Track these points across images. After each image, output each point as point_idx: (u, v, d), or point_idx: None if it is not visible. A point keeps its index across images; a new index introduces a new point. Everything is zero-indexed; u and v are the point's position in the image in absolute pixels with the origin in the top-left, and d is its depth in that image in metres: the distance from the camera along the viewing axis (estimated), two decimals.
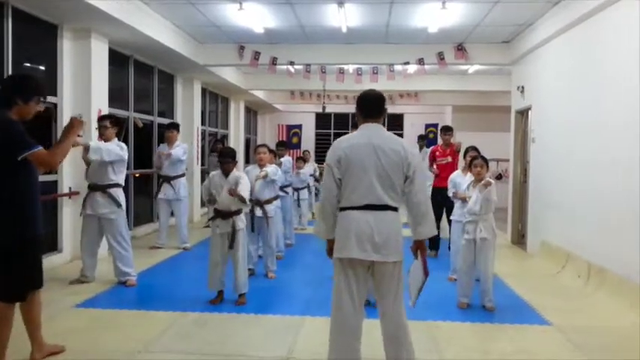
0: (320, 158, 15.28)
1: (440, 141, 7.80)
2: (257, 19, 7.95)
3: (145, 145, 9.34)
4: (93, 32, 6.87)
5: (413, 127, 17.95)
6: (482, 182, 5.04)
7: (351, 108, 15.17)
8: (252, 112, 17.87)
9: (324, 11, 7.59)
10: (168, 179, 7.75)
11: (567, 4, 6.59)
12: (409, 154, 3.20)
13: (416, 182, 3.19)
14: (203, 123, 11.98)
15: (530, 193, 8.35)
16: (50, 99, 6.43)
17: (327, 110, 15.24)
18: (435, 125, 17.19)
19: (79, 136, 3.64)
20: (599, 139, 5.91)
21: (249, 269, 5.93)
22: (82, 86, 6.85)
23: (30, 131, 3.39)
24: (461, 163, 7.00)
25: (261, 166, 6.20)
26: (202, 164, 11.27)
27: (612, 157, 5.59)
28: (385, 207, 3.16)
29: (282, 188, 7.25)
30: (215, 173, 5.19)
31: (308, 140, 18.73)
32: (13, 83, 3.59)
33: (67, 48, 6.76)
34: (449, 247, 6.80)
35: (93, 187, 5.63)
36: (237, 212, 5.12)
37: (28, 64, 6.51)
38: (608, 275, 5.51)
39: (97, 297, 5.29)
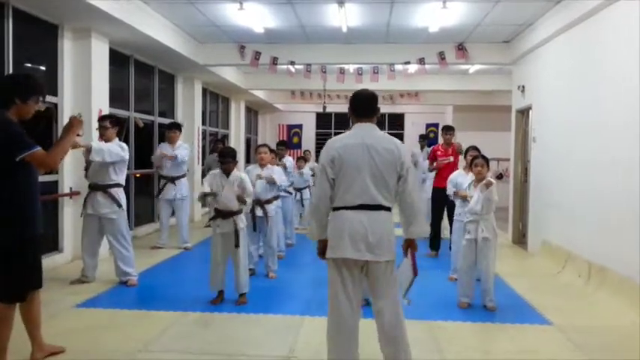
0: None
1: (441, 140, 7.81)
2: (257, 19, 7.95)
3: (145, 145, 9.34)
4: (93, 32, 6.88)
5: (414, 127, 17.96)
6: (484, 182, 5.03)
7: None
8: (253, 111, 17.87)
9: (324, 11, 7.59)
10: (171, 179, 7.76)
11: (567, 3, 6.59)
12: (402, 154, 3.21)
13: (409, 181, 3.20)
14: (204, 123, 11.99)
15: (530, 193, 8.35)
16: (51, 99, 6.44)
17: (328, 110, 15.25)
18: (436, 125, 17.20)
19: (78, 135, 3.64)
20: (599, 139, 5.91)
21: (250, 269, 5.94)
22: (83, 86, 6.85)
23: (31, 131, 3.39)
24: (461, 163, 7.00)
25: (262, 166, 6.20)
26: (203, 164, 11.28)
27: (612, 157, 5.59)
28: (379, 207, 3.16)
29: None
30: (216, 172, 5.18)
31: (308, 140, 18.74)
32: (12, 83, 3.57)
33: (67, 48, 6.77)
34: (449, 247, 6.80)
35: (94, 187, 5.63)
36: (238, 212, 5.13)
37: (29, 64, 6.51)
38: (608, 275, 5.51)
39: (97, 297, 5.29)
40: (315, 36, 9.04)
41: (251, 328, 4.44)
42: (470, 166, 5.49)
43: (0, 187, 3.29)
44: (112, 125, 5.63)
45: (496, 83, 12.44)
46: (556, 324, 4.65)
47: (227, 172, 5.07)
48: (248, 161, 15.19)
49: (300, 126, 18.98)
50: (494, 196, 4.99)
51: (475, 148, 6.15)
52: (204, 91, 12.08)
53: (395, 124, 18.72)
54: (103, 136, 5.62)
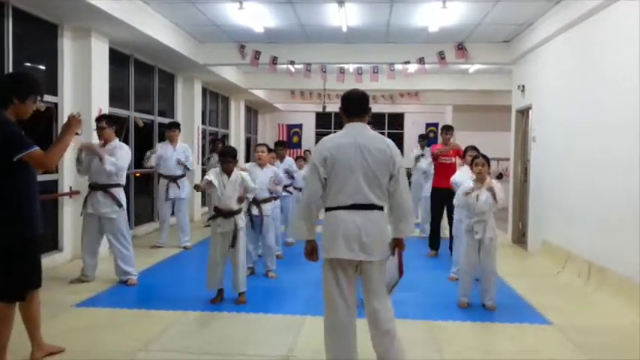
0: None
1: (440, 140, 7.81)
2: (257, 19, 7.95)
3: (145, 144, 9.33)
4: (93, 32, 6.87)
5: (413, 127, 17.97)
6: (486, 187, 5.01)
7: None
8: (253, 111, 17.87)
9: (324, 10, 7.58)
10: (173, 179, 7.76)
11: (567, 3, 6.58)
12: (394, 153, 3.23)
13: (401, 180, 3.23)
14: (203, 122, 11.99)
15: (530, 193, 8.35)
16: (50, 99, 6.44)
17: (328, 110, 15.24)
18: (436, 125, 17.20)
19: (77, 134, 3.63)
20: (599, 139, 5.91)
21: (249, 268, 5.95)
22: (83, 86, 6.85)
23: (30, 131, 3.38)
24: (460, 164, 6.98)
25: (261, 165, 6.22)
26: (203, 163, 11.28)
27: (612, 157, 5.59)
28: (372, 206, 3.18)
29: (284, 188, 7.26)
30: (217, 170, 5.17)
31: (308, 140, 18.74)
32: (10, 82, 3.56)
33: (67, 47, 6.76)
34: (449, 247, 6.81)
35: (94, 187, 5.63)
36: (238, 211, 5.13)
37: (29, 64, 6.51)
38: (608, 275, 5.51)
39: (97, 296, 5.29)
40: (315, 35, 9.04)
41: (251, 328, 4.44)
42: (470, 166, 5.48)
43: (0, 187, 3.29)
44: (108, 125, 5.63)
45: (496, 83, 12.44)
46: (556, 324, 4.65)
47: (228, 172, 5.07)
48: (248, 161, 15.17)
49: (299, 126, 18.98)
50: (500, 194, 5.00)
51: (474, 148, 6.14)
52: (204, 90, 12.07)
53: (395, 123, 18.72)
54: (102, 137, 5.62)
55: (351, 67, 11.01)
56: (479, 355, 3.99)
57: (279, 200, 6.98)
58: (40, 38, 6.50)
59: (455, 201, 5.43)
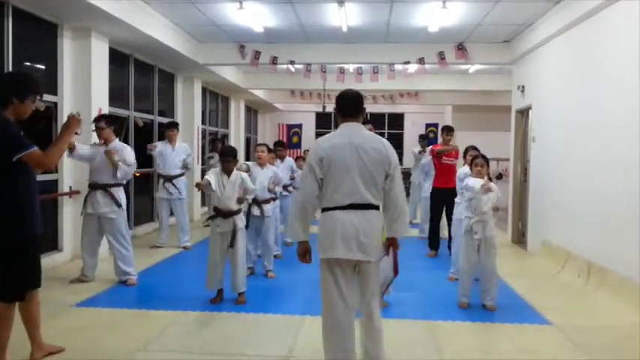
0: None
1: (440, 140, 7.81)
2: (257, 18, 7.94)
3: (145, 144, 9.32)
4: (93, 31, 6.87)
5: (413, 127, 17.96)
6: (484, 188, 5.01)
7: None
8: (253, 111, 17.87)
9: (324, 10, 7.58)
10: (170, 178, 7.76)
11: (567, 3, 6.58)
12: (390, 152, 3.24)
13: (396, 180, 3.24)
14: (203, 122, 11.98)
15: (530, 193, 8.35)
16: (50, 98, 6.43)
17: (328, 110, 15.17)
18: (436, 125, 17.19)
19: (76, 134, 3.63)
20: (599, 139, 5.91)
21: (249, 268, 5.95)
22: (82, 85, 6.84)
23: (30, 131, 3.38)
24: (459, 165, 6.97)
25: (261, 165, 6.22)
26: (202, 163, 11.28)
27: (612, 157, 5.59)
28: (368, 206, 3.19)
29: (284, 187, 7.26)
30: (217, 170, 5.17)
31: (308, 140, 18.71)
32: (9, 82, 3.55)
33: (67, 47, 6.76)
34: (448, 247, 6.80)
35: (94, 186, 5.62)
36: (238, 212, 5.13)
37: (29, 64, 6.50)
38: (608, 275, 5.51)
39: (97, 296, 5.29)
40: (315, 35, 9.03)
41: (250, 328, 4.44)
42: (470, 165, 5.48)
43: None
44: (107, 125, 5.62)
45: (496, 83, 12.44)
46: (556, 324, 4.65)
47: (228, 172, 5.07)
48: (248, 160, 15.17)
49: (299, 125, 18.97)
50: (495, 198, 5.03)
51: (474, 148, 6.14)
52: (204, 90, 12.07)
53: (395, 123, 18.71)
54: (101, 137, 5.62)
55: (351, 67, 11.01)
56: (479, 355, 3.99)
57: (278, 200, 6.98)
58: (39, 38, 6.49)
59: (467, 196, 5.28)
